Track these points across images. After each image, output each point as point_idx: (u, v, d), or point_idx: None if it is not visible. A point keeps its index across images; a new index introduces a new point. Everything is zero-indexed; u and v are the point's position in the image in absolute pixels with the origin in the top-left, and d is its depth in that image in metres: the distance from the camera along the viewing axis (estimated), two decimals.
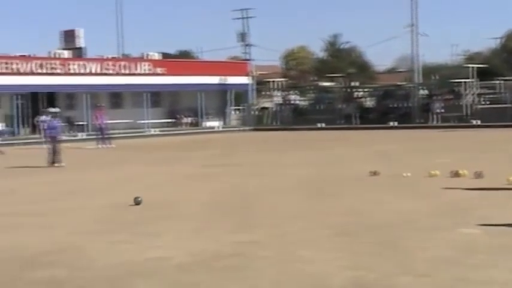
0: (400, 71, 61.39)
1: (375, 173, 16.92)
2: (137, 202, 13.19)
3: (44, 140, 34.75)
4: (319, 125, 47.17)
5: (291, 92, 56.80)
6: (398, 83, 53.41)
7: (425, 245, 8.90)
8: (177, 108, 49.81)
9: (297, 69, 78.25)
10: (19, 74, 40.96)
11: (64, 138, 38.30)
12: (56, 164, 22.33)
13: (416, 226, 10.26)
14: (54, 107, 38.66)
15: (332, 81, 58.43)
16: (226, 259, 8.52)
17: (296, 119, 50.92)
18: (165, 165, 22.51)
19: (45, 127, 24.25)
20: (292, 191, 14.78)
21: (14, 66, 41.03)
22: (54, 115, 23.76)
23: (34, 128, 39.28)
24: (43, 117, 35.72)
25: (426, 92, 50.50)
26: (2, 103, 41.24)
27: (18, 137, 39.07)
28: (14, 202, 14.39)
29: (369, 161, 20.98)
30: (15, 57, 42.10)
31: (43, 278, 7.89)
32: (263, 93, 59.05)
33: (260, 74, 59.00)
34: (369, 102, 52.99)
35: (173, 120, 48.61)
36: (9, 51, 48.52)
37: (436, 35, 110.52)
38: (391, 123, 45.15)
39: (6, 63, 40.81)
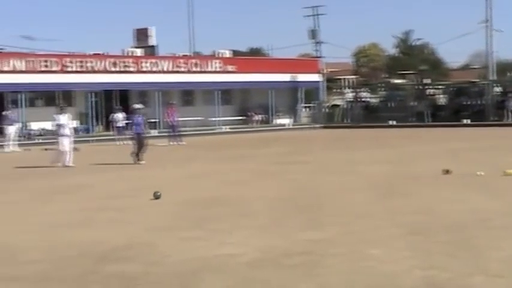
0: (474, 68, 60.37)
1: (447, 172, 16.66)
2: (156, 196, 13.79)
3: (117, 137, 35.46)
4: (390, 122, 46.73)
5: (362, 89, 56.41)
6: (472, 80, 52.48)
7: (500, 245, 8.73)
8: (247, 105, 49.97)
9: (368, 66, 77.77)
10: (93, 72, 41.74)
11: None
12: (140, 162, 22.19)
13: (491, 225, 10.08)
14: (121, 105, 39.27)
15: (403, 78, 57.84)
16: (296, 257, 8.51)
17: (367, 116, 50.52)
18: (235, 163, 22.62)
19: (131, 124, 23.85)
20: (363, 189, 14.67)
21: (88, 64, 41.83)
22: (139, 111, 23.46)
23: (108, 126, 39.97)
24: (117, 115, 36.39)
25: (500, 89, 49.47)
26: (77, 101, 42.08)
27: (92, 134, 39.81)
28: (91, 198, 14.67)
29: (441, 159, 20.67)
30: (89, 56, 42.94)
31: (116, 272, 8.02)
32: (334, 90, 58.83)
33: (331, 71, 58.81)
34: (442, 100, 52.19)
35: (244, 118, 48.80)
36: (84, 50, 49.61)
37: (511, 30, 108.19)
38: (464, 121, 44.41)
39: (81, 62, 41.64)
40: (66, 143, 22.23)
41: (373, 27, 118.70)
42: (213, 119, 45.73)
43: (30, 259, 8.80)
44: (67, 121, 22.85)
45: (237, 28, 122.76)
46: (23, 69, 39.29)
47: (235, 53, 55.10)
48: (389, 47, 79.23)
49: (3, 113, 33.30)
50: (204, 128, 43.56)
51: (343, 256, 8.45)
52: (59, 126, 22.62)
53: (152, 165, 21.86)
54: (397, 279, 7.33)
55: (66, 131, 22.53)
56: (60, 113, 23.01)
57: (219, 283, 7.46)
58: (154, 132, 40.50)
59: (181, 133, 34.82)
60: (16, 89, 38.53)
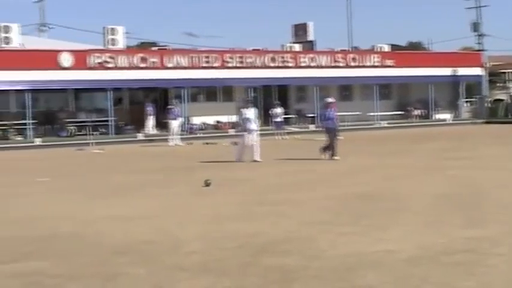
0: None
1: None
2: (207, 184, 14.78)
3: (275, 131, 35.88)
4: None
5: None
6: None
7: None
8: (406, 100, 49.21)
9: None
10: (252, 67, 42.46)
11: (296, 129, 39.40)
12: (335, 157, 21.53)
13: None
14: (279, 100, 39.64)
15: None
16: (457, 254, 8.33)
17: None
18: (394, 158, 22.38)
19: (322, 118, 22.87)
20: None
21: (248, 60, 42.58)
22: (330, 105, 22.67)
23: (266, 120, 40.57)
24: (275, 110, 36.84)
25: None
26: (236, 96, 42.95)
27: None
28: (251, 191, 14.96)
29: None
30: (248, 52, 43.69)
31: (275, 265, 8.14)
32: (497, 84, 56.82)
33: (494, 64, 56.81)
34: None
35: (403, 113, 48.08)
36: (243, 45, 50.60)
37: None
38: None
39: (241, 58, 42.45)
40: (252, 138, 22.03)
41: None
42: (371, 114, 45.37)
43: (192, 250, 9.09)
44: (253, 115, 22.65)
45: (396, 22, 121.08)
46: (186, 65, 40.57)
47: (394, 47, 54.36)
48: None
49: (168, 107, 34.52)
50: (362, 123, 43.31)
51: (507, 255, 8.18)
52: (245, 120, 22.42)
53: (309, 160, 21.97)
54: None
55: (253, 125, 22.32)
56: (247, 107, 22.97)
57: (377, 279, 7.42)
58: (311, 127, 40.72)
59: (339, 128, 34.75)
60: (179, 85, 39.80)
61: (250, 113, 22.61)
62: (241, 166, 20.89)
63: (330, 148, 21.92)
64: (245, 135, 22.12)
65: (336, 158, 21.54)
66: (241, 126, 22.95)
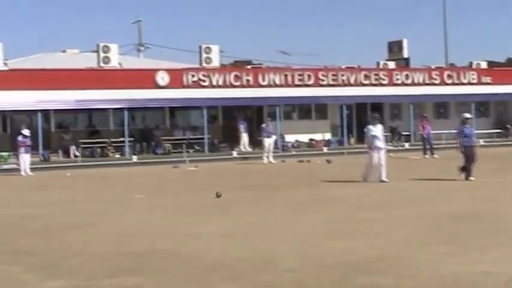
0: None
1: None
2: (218, 195, 15.37)
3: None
4: None
5: None
6: None
7: None
8: (504, 118, 48.03)
9: None
10: (346, 85, 42.32)
11: (391, 147, 38.98)
12: (470, 178, 20.19)
13: None
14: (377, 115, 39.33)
15: None
16: None
17: None
18: (493, 177, 21.80)
19: (460, 135, 21.00)
20: None
21: (342, 77, 42.48)
22: (469, 121, 21.41)
23: (360, 138, 40.30)
24: (370, 127, 36.48)
25: None
26: (330, 113, 42.85)
27: (345, 147, 40.29)
28: (343, 209, 14.87)
29: None
30: (342, 69, 43.57)
31: (368, 284, 8.07)
32: None
33: None
34: None
35: (501, 131, 46.94)
36: (337, 63, 50.49)
37: None
38: None
39: (335, 75, 42.38)
40: (378, 156, 20.88)
41: None
42: None
43: (286, 267, 9.10)
44: (380, 132, 21.57)
45: (494, 38, 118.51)
46: (280, 83, 40.77)
47: (491, 63, 53.19)
48: None
49: (262, 125, 34.74)
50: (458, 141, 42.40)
51: None
52: (373, 137, 21.28)
53: (403, 178, 21.67)
54: None
55: (380, 143, 21.24)
56: (373, 124, 21.80)
57: None
58: (406, 145, 40.21)
59: (434, 146, 34.27)
60: (273, 103, 40.00)
61: (378, 130, 21.48)
62: (338, 184, 20.78)
63: (466, 168, 20.57)
64: (372, 154, 20.98)
65: (471, 178, 20.22)
66: (367, 144, 21.85)
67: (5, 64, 36.24)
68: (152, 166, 32.06)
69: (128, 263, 9.76)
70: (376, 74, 43.65)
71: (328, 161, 30.98)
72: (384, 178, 20.57)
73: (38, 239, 11.98)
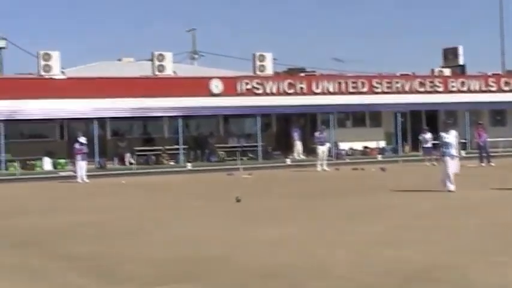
0: None
1: None
2: (238, 200, 15.56)
3: (425, 157, 35.16)
4: None
5: None
6: None
7: None
8: None
9: None
10: (401, 92, 41.98)
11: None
12: None
13: None
14: (428, 125, 38.92)
15: None
16: None
17: None
18: None
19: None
20: None
21: (396, 85, 42.15)
22: None
23: (414, 146, 39.90)
24: (425, 136, 36.14)
25: None
26: (384, 121, 42.54)
27: (400, 155, 39.94)
28: (397, 217, 14.74)
29: None
30: (396, 77, 43.22)
31: None
32: None
33: None
34: None
35: None
36: (392, 70, 50.10)
37: None
38: None
39: (389, 83, 42.07)
40: (453, 164, 20.09)
41: None
42: None
43: (339, 275, 9.06)
44: (454, 139, 20.61)
45: None
46: (334, 90, 40.64)
47: None
48: None
49: (316, 133, 34.65)
50: None
51: None
52: (446, 144, 20.45)
53: (460, 186, 21.37)
54: None
55: (453, 151, 20.37)
56: (446, 131, 20.92)
57: None
58: (463, 153, 39.71)
59: (491, 154, 33.77)
60: (327, 110, 39.86)
61: (451, 136, 20.58)
62: (393, 192, 20.60)
63: None
64: (446, 161, 20.17)
65: None
66: (440, 152, 21.28)
67: (63, 73, 36.81)
68: (206, 174, 32.22)
69: (180, 269, 9.82)
70: (431, 81, 43.22)
71: (383, 169, 30.73)
72: (450, 188, 19.87)
73: (94, 245, 12.13)
